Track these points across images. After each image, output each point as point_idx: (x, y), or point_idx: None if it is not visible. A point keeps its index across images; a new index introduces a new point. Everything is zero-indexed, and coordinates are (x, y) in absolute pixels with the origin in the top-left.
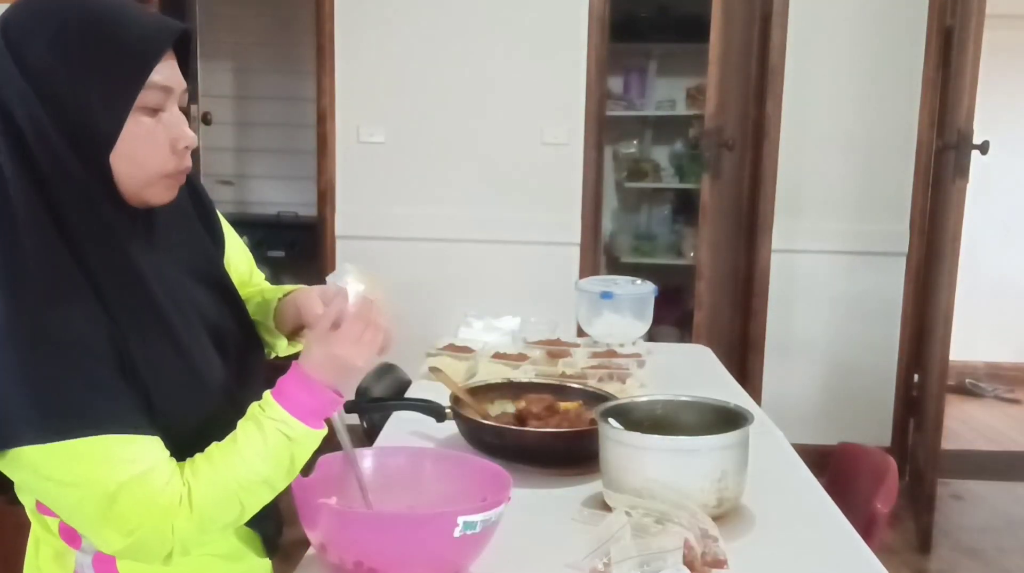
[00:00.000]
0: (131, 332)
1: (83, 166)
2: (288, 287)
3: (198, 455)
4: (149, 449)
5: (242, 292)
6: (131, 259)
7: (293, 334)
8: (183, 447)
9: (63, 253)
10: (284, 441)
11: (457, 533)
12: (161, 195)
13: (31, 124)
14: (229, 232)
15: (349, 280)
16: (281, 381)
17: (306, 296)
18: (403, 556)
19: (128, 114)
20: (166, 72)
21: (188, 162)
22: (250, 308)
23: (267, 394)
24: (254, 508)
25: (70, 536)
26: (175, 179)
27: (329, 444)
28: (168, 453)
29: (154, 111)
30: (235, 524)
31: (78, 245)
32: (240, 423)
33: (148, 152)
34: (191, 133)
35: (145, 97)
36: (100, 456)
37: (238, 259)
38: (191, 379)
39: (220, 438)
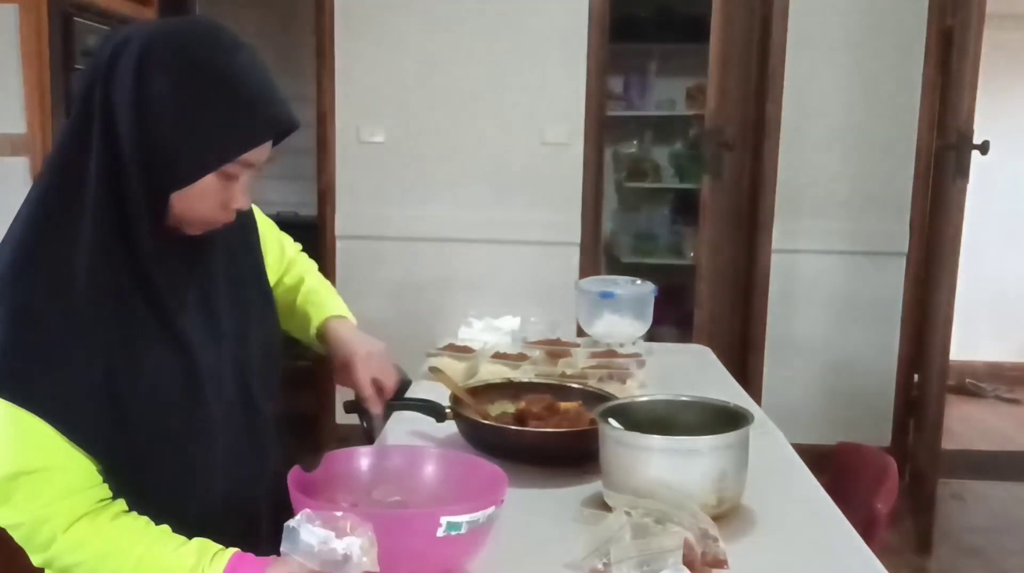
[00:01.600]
0: (145, 339)
1: (146, 191)
2: (325, 313)
3: (132, 518)
4: (63, 456)
5: (276, 279)
6: (160, 277)
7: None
8: (169, 460)
9: (101, 251)
10: None
11: (440, 533)
12: (196, 231)
13: (122, 138)
14: (261, 219)
15: (358, 552)
16: (242, 569)
17: (345, 354)
18: (386, 554)
19: (206, 175)
20: (259, 152)
21: (232, 217)
22: (285, 310)
23: (224, 560)
24: None
25: None
26: (214, 226)
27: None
28: (94, 481)
29: (229, 177)
30: None
31: (114, 250)
32: (187, 545)
33: (204, 204)
34: (247, 200)
35: (229, 167)
36: (28, 436)
37: (269, 246)
38: (193, 395)
39: (204, 437)
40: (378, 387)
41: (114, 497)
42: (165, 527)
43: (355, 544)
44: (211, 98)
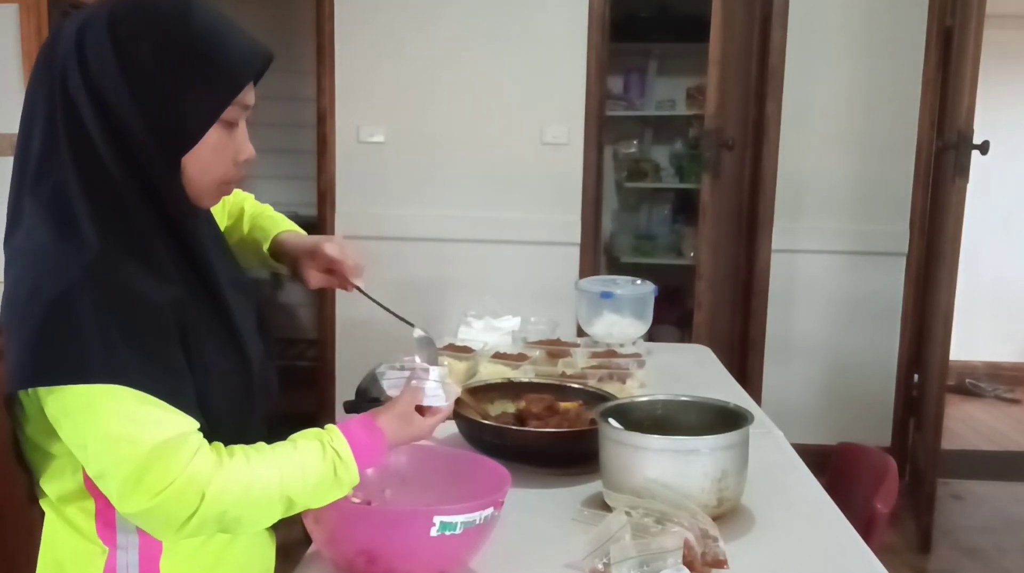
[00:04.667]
0: (198, 315)
1: (161, 163)
2: (274, 231)
3: (240, 448)
4: (184, 422)
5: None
6: (203, 251)
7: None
8: (220, 429)
9: (149, 232)
10: (332, 477)
11: (434, 533)
12: (211, 201)
13: (121, 117)
14: None
15: (449, 382)
16: (356, 427)
17: (300, 256)
18: (380, 551)
19: (212, 124)
20: (248, 91)
21: (244, 173)
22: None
23: (337, 431)
24: (261, 520)
25: (108, 533)
26: (228, 188)
27: None
28: (202, 435)
29: (230, 125)
30: (243, 527)
31: (153, 231)
32: (298, 439)
33: (216, 160)
34: (251, 148)
35: (228, 112)
36: (136, 414)
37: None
38: (240, 361)
39: (248, 422)
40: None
41: None
42: (260, 443)
43: (441, 369)
44: (193, 49)
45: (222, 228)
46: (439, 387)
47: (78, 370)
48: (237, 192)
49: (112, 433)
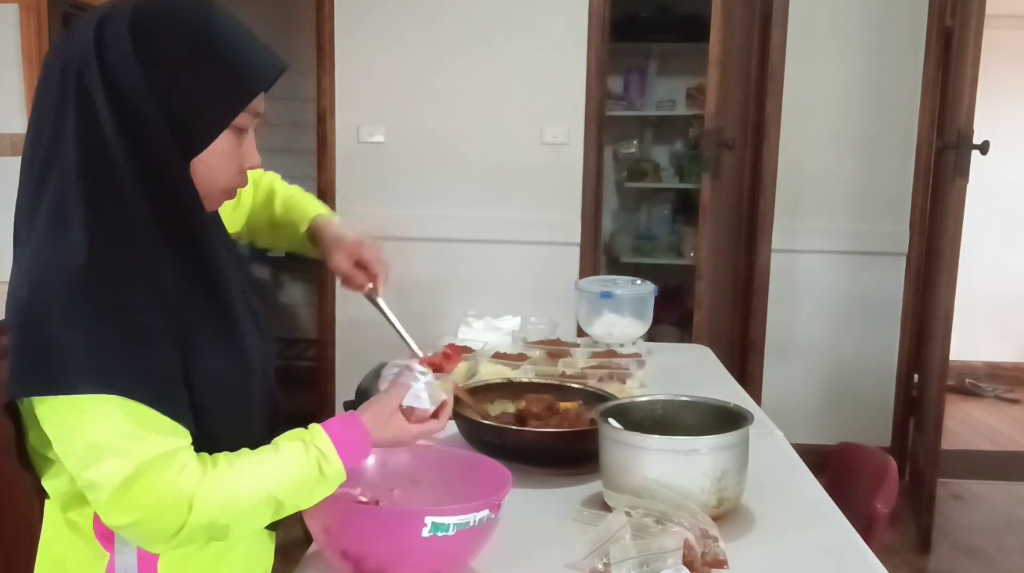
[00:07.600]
0: (199, 317)
1: (173, 160)
2: (309, 215)
3: (228, 453)
4: (172, 433)
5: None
6: (210, 252)
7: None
8: (220, 432)
9: (151, 232)
10: (317, 474)
11: (426, 533)
12: (215, 205)
13: (137, 111)
14: None
15: (440, 390)
16: (339, 427)
17: (333, 243)
18: (373, 551)
19: (225, 127)
20: (261, 99)
21: (247, 181)
22: (267, 225)
23: (319, 429)
24: (250, 525)
25: (105, 537)
26: (231, 195)
27: None
28: (190, 444)
29: (240, 131)
30: (232, 534)
31: (163, 233)
32: (280, 441)
33: (224, 165)
34: (258, 156)
35: (240, 118)
36: (122, 425)
37: None
38: (242, 364)
39: (250, 424)
40: (367, 269)
41: None
42: (243, 450)
43: (429, 375)
44: (212, 52)
45: (251, 206)
46: (424, 390)
47: (61, 380)
48: (263, 172)
49: (97, 444)
